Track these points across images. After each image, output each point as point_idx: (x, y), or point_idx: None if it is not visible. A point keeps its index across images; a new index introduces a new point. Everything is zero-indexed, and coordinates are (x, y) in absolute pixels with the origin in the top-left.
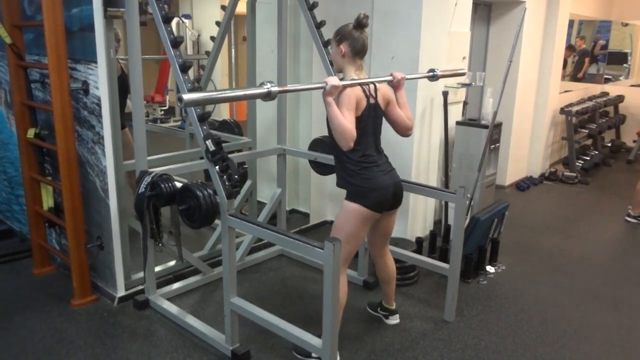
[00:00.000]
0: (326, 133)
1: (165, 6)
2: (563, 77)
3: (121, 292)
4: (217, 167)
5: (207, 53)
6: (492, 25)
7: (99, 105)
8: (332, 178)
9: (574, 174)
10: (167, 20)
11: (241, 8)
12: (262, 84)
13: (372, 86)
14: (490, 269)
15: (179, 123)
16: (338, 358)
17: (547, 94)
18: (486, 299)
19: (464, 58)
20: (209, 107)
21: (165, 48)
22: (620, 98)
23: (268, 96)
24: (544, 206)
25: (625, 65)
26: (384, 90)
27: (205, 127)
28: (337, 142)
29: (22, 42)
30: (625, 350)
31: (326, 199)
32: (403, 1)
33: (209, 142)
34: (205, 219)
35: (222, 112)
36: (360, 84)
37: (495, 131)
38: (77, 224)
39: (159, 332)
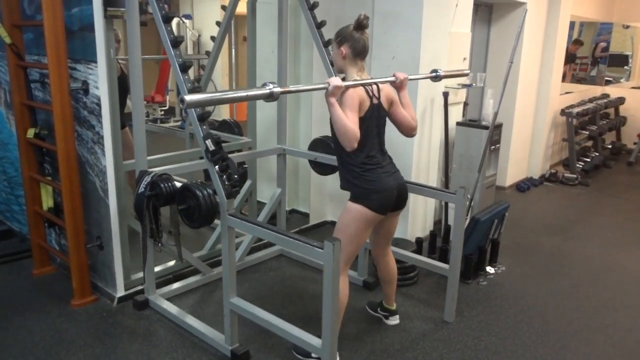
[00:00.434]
0: (326, 133)
1: (166, 6)
2: (570, 76)
3: (121, 292)
4: (216, 166)
5: (208, 53)
6: (493, 26)
7: (98, 105)
8: (332, 178)
9: (575, 176)
10: (167, 20)
11: (241, 8)
12: (264, 85)
13: (374, 87)
14: (490, 269)
15: (179, 123)
16: (338, 358)
17: (548, 95)
18: (486, 299)
19: (464, 59)
20: (208, 107)
21: (165, 48)
22: (621, 100)
23: (271, 97)
24: (544, 207)
25: (626, 67)
26: (387, 91)
27: (205, 127)
28: (341, 143)
29: (22, 42)
30: (625, 352)
31: (326, 199)
32: (404, 2)
33: (208, 142)
34: (205, 218)
35: (222, 112)
36: (363, 85)
37: (495, 132)
38: (77, 224)
39: (159, 332)
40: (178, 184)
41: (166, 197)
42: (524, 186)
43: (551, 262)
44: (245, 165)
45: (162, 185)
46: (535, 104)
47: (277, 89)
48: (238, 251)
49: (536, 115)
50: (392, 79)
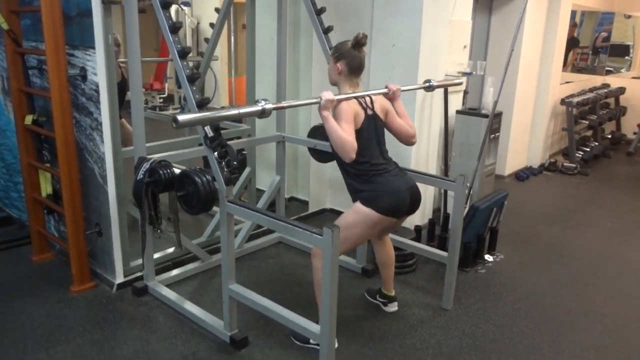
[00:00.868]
0: None
1: None
2: (574, 61)
3: (120, 278)
4: (215, 153)
5: (206, 40)
6: (494, 14)
7: (97, 91)
8: (331, 166)
9: (574, 165)
10: (165, 6)
11: None
12: (256, 102)
13: (367, 98)
14: (488, 257)
15: (177, 111)
16: (336, 344)
17: (548, 84)
18: (484, 287)
19: (465, 47)
20: (207, 94)
21: (163, 34)
22: (621, 90)
23: (263, 114)
24: (543, 196)
25: (627, 57)
26: (381, 102)
27: None
28: (339, 155)
29: (19, 28)
30: (622, 339)
31: (325, 186)
32: None
33: (207, 128)
34: (204, 205)
35: (222, 100)
36: (356, 97)
37: (495, 121)
38: (76, 211)
39: (158, 319)
40: (177, 171)
41: (165, 183)
42: (523, 175)
43: (550, 251)
44: (244, 152)
45: (161, 171)
46: (535, 93)
47: (269, 106)
48: (237, 238)
49: (536, 104)
50: (385, 90)
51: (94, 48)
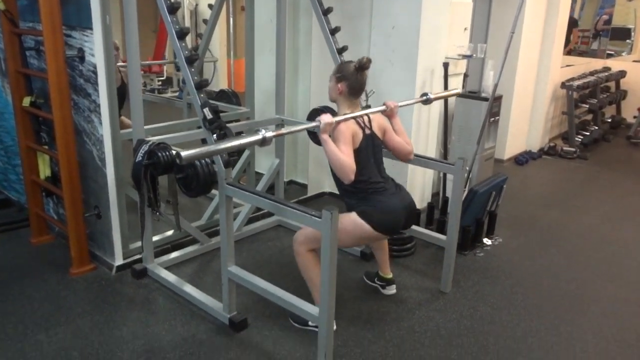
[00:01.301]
0: (325, 103)
1: None
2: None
3: (119, 261)
4: (214, 135)
5: (205, 21)
6: None
7: (95, 72)
8: None
9: (573, 149)
10: None
11: None
12: (257, 131)
13: (365, 117)
14: (487, 241)
15: (176, 93)
16: (335, 327)
17: (549, 67)
18: (483, 270)
19: (465, 29)
20: (206, 76)
21: (162, 14)
22: (622, 73)
23: (264, 142)
24: (543, 180)
25: (628, 40)
26: (379, 120)
27: (202, 95)
28: (339, 177)
29: (16, 9)
30: (620, 322)
31: (324, 170)
32: None
33: (206, 110)
34: (203, 187)
35: (220, 83)
36: (354, 117)
37: (495, 104)
38: (75, 193)
39: (157, 301)
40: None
41: (164, 166)
42: (523, 159)
43: (548, 235)
44: (243, 135)
45: (160, 154)
46: (535, 76)
47: (269, 134)
48: (236, 221)
49: (536, 87)
50: (383, 108)
51: (91, 29)
